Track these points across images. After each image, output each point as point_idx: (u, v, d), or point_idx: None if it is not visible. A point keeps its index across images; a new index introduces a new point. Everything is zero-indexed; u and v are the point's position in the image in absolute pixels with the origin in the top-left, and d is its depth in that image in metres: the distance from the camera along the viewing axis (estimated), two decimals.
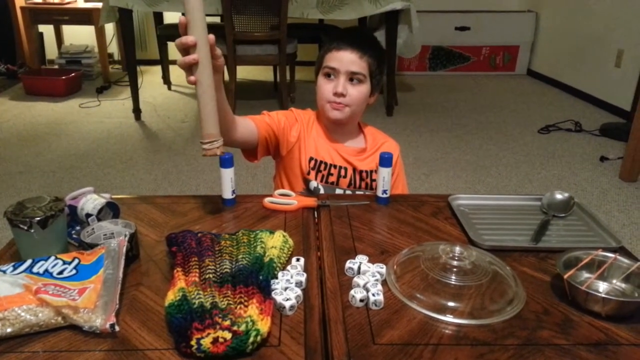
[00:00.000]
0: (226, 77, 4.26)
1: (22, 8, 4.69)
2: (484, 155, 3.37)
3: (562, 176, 3.08)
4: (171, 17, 4.84)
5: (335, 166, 1.36)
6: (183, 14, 0.97)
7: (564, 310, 0.82)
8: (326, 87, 1.32)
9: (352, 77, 1.30)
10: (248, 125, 1.27)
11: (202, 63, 0.97)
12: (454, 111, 4.28)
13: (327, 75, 1.32)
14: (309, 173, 1.34)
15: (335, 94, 1.30)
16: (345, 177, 1.36)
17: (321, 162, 1.35)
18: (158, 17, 4.59)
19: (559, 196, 1.16)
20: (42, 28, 5.23)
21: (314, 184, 1.34)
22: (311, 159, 1.35)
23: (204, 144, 1.00)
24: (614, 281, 0.87)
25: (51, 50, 5.31)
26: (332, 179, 1.35)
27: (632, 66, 3.97)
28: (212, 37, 0.97)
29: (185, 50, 0.97)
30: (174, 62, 4.96)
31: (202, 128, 1.00)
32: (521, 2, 5.55)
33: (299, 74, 4.60)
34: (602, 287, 0.87)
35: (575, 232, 1.07)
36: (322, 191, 1.34)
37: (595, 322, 0.79)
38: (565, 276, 0.82)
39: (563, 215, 1.12)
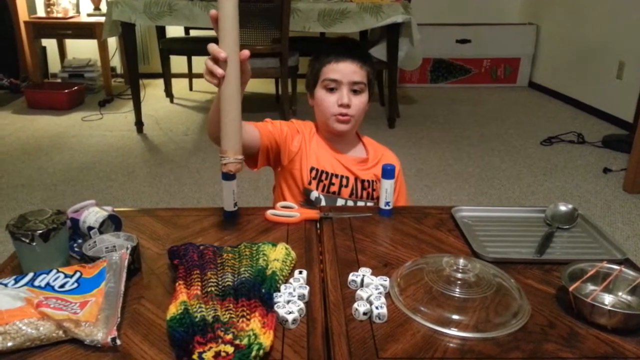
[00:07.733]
0: None
1: (25, 22, 4.72)
2: (487, 167, 3.37)
3: (565, 188, 3.08)
4: (173, 31, 4.86)
5: (337, 175, 1.35)
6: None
7: (569, 323, 0.81)
8: (329, 100, 1.33)
9: (355, 88, 1.31)
10: (252, 132, 1.27)
11: (228, 80, 0.94)
12: (455, 123, 4.29)
13: (329, 89, 1.33)
14: (310, 183, 1.34)
15: (342, 105, 1.30)
16: (347, 186, 1.36)
17: (322, 171, 1.35)
18: (160, 30, 4.62)
19: (562, 208, 1.16)
20: (45, 42, 5.26)
21: (315, 194, 1.34)
22: (312, 168, 1.34)
23: (222, 158, 0.99)
24: (620, 294, 0.86)
25: (54, 64, 5.34)
26: (334, 188, 1.35)
27: (633, 78, 3.98)
28: (246, 52, 0.95)
29: (214, 59, 0.94)
30: (176, 75, 5.01)
31: (222, 143, 0.98)
32: (521, 15, 5.58)
33: (301, 87, 4.60)
34: (608, 299, 0.86)
35: (579, 244, 1.07)
36: (323, 201, 1.34)
37: (601, 335, 0.78)
38: (571, 288, 0.81)
39: (567, 227, 1.11)
